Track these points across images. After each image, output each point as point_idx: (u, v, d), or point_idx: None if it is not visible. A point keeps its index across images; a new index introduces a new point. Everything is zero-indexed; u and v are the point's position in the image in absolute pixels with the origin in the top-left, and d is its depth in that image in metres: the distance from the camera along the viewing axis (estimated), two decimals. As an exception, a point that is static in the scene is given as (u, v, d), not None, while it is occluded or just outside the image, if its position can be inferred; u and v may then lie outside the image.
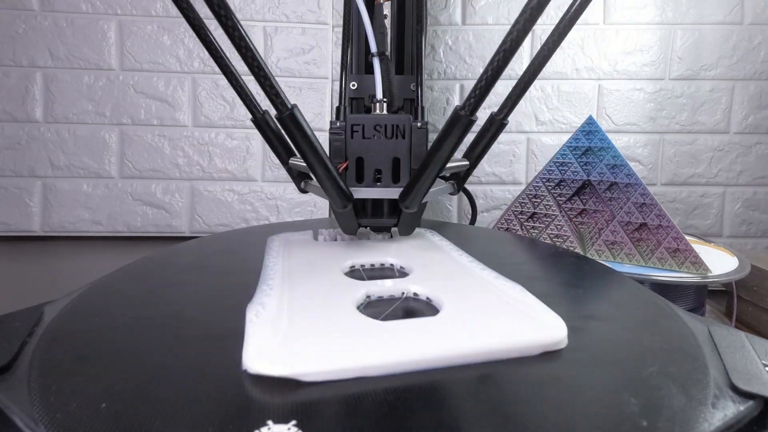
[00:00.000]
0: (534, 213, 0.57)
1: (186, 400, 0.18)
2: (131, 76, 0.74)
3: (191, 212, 0.76)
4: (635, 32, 0.76)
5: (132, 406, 0.17)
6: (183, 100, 0.75)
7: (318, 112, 0.75)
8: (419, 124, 0.34)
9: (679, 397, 0.19)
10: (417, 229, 0.43)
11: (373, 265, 0.34)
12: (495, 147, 0.78)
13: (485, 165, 0.79)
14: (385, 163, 0.34)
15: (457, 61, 0.77)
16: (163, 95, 0.74)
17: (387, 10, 0.63)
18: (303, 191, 0.39)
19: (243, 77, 0.37)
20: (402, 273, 0.32)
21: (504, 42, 0.26)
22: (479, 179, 0.79)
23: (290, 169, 0.38)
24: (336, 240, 0.39)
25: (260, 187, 0.76)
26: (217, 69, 0.75)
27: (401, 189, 0.33)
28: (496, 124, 0.40)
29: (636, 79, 0.77)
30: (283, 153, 0.38)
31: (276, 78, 0.82)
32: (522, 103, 0.77)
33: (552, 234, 0.56)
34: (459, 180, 0.40)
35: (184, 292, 0.29)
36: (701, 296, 0.52)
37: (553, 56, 0.79)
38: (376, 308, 0.26)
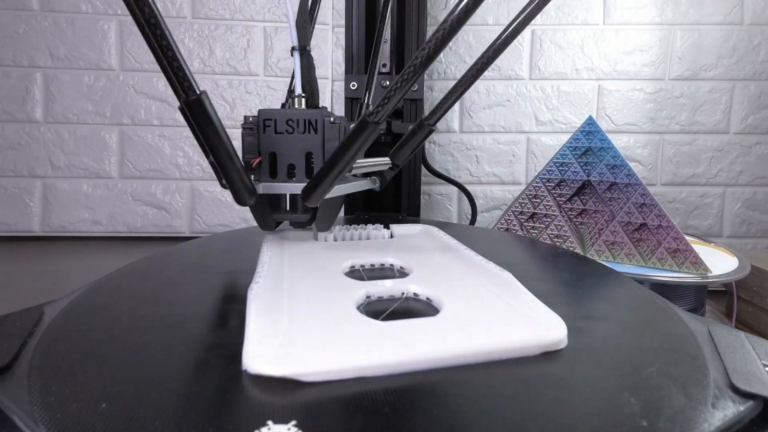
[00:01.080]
0: (534, 213, 0.57)
1: (186, 400, 0.18)
2: (131, 76, 0.74)
3: (191, 212, 0.76)
4: (635, 32, 0.76)
5: (132, 406, 0.17)
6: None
7: (318, 112, 0.75)
8: (332, 119, 0.34)
9: (679, 397, 0.19)
10: (422, 227, 0.43)
11: (373, 265, 0.34)
12: (495, 147, 0.78)
13: (485, 165, 0.79)
14: (298, 159, 0.34)
15: (457, 62, 0.77)
16: (163, 95, 0.74)
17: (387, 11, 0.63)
18: (225, 187, 0.37)
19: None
20: (402, 273, 0.32)
21: (419, 54, 0.26)
22: (479, 179, 0.79)
23: (213, 164, 0.35)
24: (336, 240, 0.39)
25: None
26: (217, 69, 0.76)
27: (301, 185, 0.33)
28: (425, 129, 0.40)
29: (636, 79, 0.77)
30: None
31: (276, 78, 0.82)
32: (522, 103, 0.77)
33: (552, 234, 0.56)
34: (383, 177, 0.41)
35: (184, 292, 0.29)
36: (701, 296, 0.52)
37: (553, 56, 0.79)
38: (376, 308, 0.26)
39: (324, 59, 0.75)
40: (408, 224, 0.44)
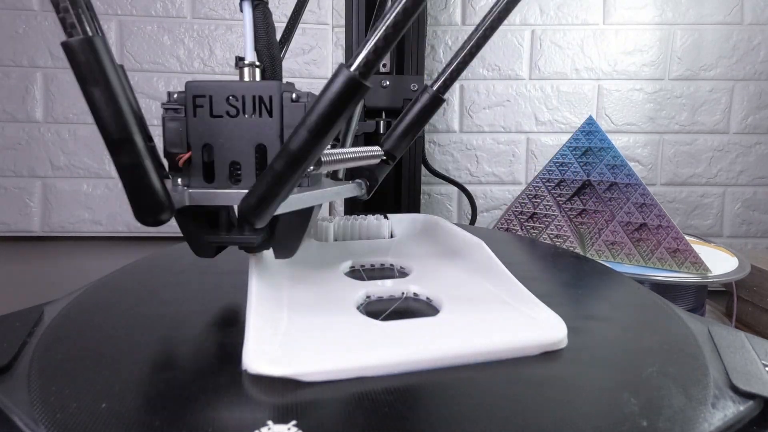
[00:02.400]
0: (534, 213, 0.57)
1: (186, 400, 0.18)
2: (131, 76, 0.74)
3: (191, 212, 0.76)
4: (635, 32, 0.76)
5: (132, 406, 0.17)
6: (183, 101, 0.75)
7: (318, 112, 0.75)
8: (294, 96, 0.23)
9: (679, 397, 0.19)
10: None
11: (373, 265, 0.34)
12: (495, 147, 0.78)
13: (485, 165, 0.79)
14: (246, 154, 0.23)
15: (457, 62, 0.77)
16: (163, 95, 0.74)
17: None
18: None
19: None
20: (402, 273, 0.32)
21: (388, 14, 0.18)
22: (479, 179, 0.79)
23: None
24: (336, 240, 0.39)
25: (260, 187, 0.76)
26: (217, 69, 0.76)
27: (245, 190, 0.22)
28: (436, 101, 0.30)
29: (635, 79, 0.77)
30: None
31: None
32: (521, 102, 0.77)
33: (552, 234, 0.56)
34: (373, 178, 0.30)
35: (184, 292, 0.29)
36: (701, 296, 0.52)
37: (553, 56, 0.79)
38: (376, 308, 0.26)
39: (324, 59, 0.75)
40: (408, 214, 0.44)
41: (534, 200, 0.57)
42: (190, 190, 0.23)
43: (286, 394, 0.18)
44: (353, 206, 0.64)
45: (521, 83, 0.77)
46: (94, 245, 0.77)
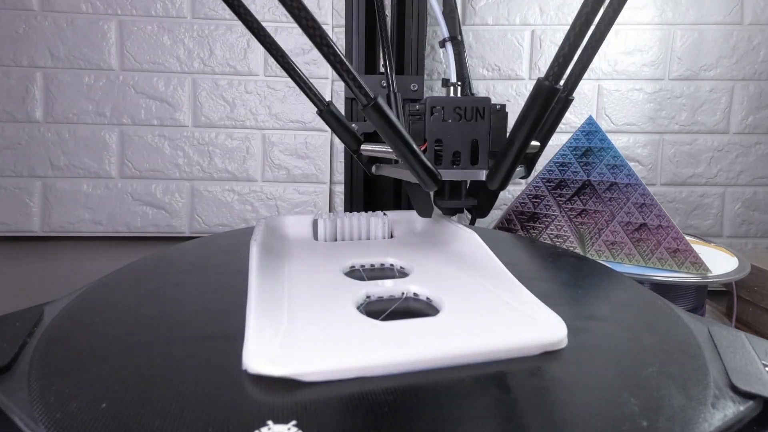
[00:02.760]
0: (534, 213, 0.57)
1: (186, 400, 0.18)
2: (131, 76, 0.74)
3: (191, 212, 0.76)
4: (635, 32, 0.76)
5: (132, 406, 0.17)
6: (183, 101, 0.75)
7: (318, 112, 0.75)
8: (498, 107, 0.34)
9: (679, 397, 0.19)
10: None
11: (373, 265, 0.34)
12: (495, 147, 0.78)
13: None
14: (464, 145, 0.34)
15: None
16: (163, 95, 0.74)
17: (387, 10, 0.63)
18: (373, 175, 0.41)
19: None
20: (402, 273, 0.32)
21: (585, 4, 0.26)
22: (479, 179, 0.79)
23: (360, 156, 0.40)
24: (336, 240, 0.39)
25: (260, 187, 0.76)
26: (217, 69, 0.76)
27: (485, 171, 0.33)
28: (561, 101, 0.38)
29: (635, 79, 0.77)
30: (351, 141, 0.39)
31: (276, 78, 0.82)
32: (522, 102, 0.77)
33: (552, 234, 0.56)
34: (528, 163, 0.40)
35: (184, 292, 0.29)
36: (701, 296, 0.52)
37: (553, 56, 0.79)
38: (376, 308, 0.26)
39: (324, 59, 0.75)
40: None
41: (534, 200, 0.57)
42: (441, 170, 0.34)
43: (286, 394, 0.18)
44: (352, 205, 0.64)
45: (521, 83, 0.77)
46: (94, 245, 0.77)
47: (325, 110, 0.38)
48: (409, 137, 0.30)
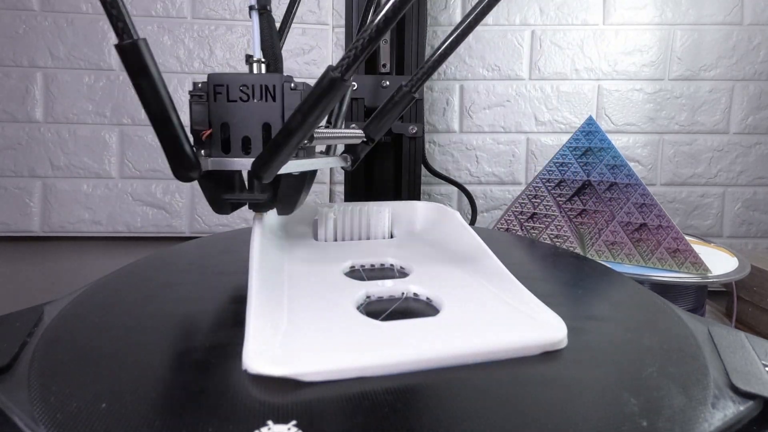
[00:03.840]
0: (534, 213, 0.57)
1: (186, 400, 0.18)
2: (131, 76, 0.74)
3: (191, 212, 0.76)
4: (635, 33, 0.76)
5: (132, 406, 0.17)
6: (183, 101, 0.75)
7: (318, 112, 0.75)
8: (293, 85, 0.30)
9: (679, 397, 0.19)
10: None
11: (373, 265, 0.34)
12: (494, 147, 0.78)
13: (485, 165, 0.79)
14: (254, 130, 0.30)
15: (457, 62, 0.77)
16: (163, 95, 0.74)
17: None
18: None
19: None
20: (402, 273, 0.32)
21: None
22: (479, 179, 0.79)
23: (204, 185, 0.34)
24: (336, 240, 0.39)
25: (260, 188, 0.76)
26: (217, 69, 0.76)
27: (251, 159, 0.29)
28: (407, 98, 0.37)
29: (635, 79, 0.77)
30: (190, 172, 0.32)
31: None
32: (521, 102, 0.77)
33: (552, 234, 0.56)
34: (355, 154, 0.37)
35: (184, 292, 0.29)
36: (701, 296, 0.52)
37: (553, 57, 0.79)
38: (376, 308, 0.26)
39: (324, 59, 0.75)
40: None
41: (534, 200, 0.57)
42: (211, 159, 0.30)
43: (286, 394, 0.18)
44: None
45: (521, 83, 0.77)
46: (94, 245, 0.77)
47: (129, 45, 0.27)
48: (170, 102, 0.25)
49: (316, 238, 0.40)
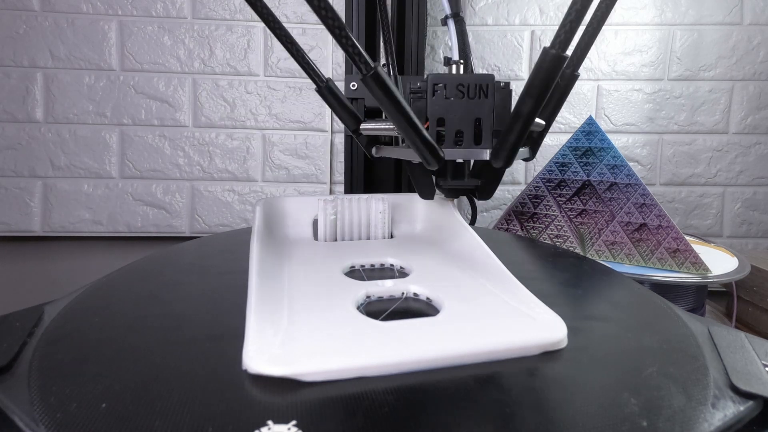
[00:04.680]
0: (534, 213, 0.57)
1: (186, 400, 0.18)
2: (132, 76, 0.74)
3: (191, 212, 0.76)
4: (634, 33, 0.76)
5: (132, 406, 0.17)
6: (183, 101, 0.75)
7: (318, 112, 0.75)
8: (502, 84, 0.33)
9: (679, 397, 0.19)
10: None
11: (373, 265, 0.34)
12: (495, 147, 0.78)
13: (485, 165, 0.79)
14: (467, 124, 0.33)
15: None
16: (163, 95, 0.74)
17: (387, 10, 0.63)
18: (374, 157, 0.39)
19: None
20: (402, 273, 0.32)
21: None
22: (479, 179, 0.79)
23: (360, 136, 0.38)
24: (336, 240, 0.39)
25: (260, 187, 0.76)
26: (217, 70, 0.76)
27: (488, 150, 0.32)
28: (566, 77, 0.37)
29: (635, 79, 0.77)
30: (350, 120, 0.37)
31: (276, 78, 0.82)
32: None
33: (552, 234, 0.56)
34: (533, 145, 0.39)
35: (184, 292, 0.29)
36: (701, 296, 0.52)
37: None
38: (376, 308, 0.26)
39: (324, 60, 0.75)
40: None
41: (534, 200, 0.57)
42: (445, 150, 0.32)
43: (286, 394, 0.18)
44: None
45: (521, 83, 0.77)
46: (94, 245, 0.77)
47: (324, 87, 0.36)
48: (410, 109, 0.29)
49: (316, 238, 0.40)
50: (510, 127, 0.30)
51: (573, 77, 0.37)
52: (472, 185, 0.36)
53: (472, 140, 0.33)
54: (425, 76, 0.33)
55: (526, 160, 0.38)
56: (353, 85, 0.62)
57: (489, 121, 0.33)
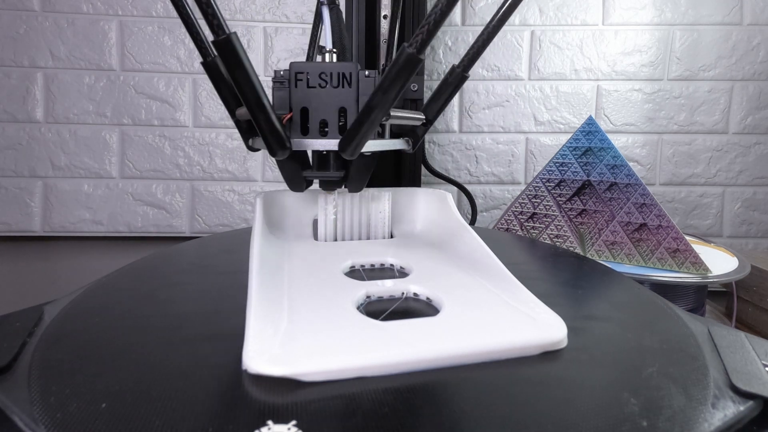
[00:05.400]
0: (534, 213, 0.57)
1: (186, 400, 0.18)
2: (132, 76, 0.74)
3: (192, 212, 0.76)
4: (634, 33, 0.76)
5: (132, 406, 0.17)
6: (183, 101, 0.75)
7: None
8: (367, 73, 0.32)
9: (679, 397, 0.19)
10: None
11: (373, 265, 0.34)
12: (494, 147, 0.78)
13: (484, 165, 0.79)
14: (331, 114, 0.32)
15: (457, 61, 0.77)
16: (163, 96, 0.74)
17: (387, 10, 0.63)
18: (252, 149, 0.37)
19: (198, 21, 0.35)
20: (402, 273, 0.32)
21: None
22: (478, 179, 0.79)
23: (238, 122, 0.36)
24: (336, 240, 0.39)
25: (260, 187, 0.76)
26: (217, 69, 0.75)
27: (336, 140, 0.32)
28: (457, 76, 0.38)
29: (634, 79, 0.77)
30: (231, 101, 0.35)
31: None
32: (521, 103, 0.77)
33: (552, 234, 0.56)
34: (415, 137, 0.39)
35: (184, 292, 0.29)
36: (701, 296, 0.52)
37: (552, 57, 0.79)
38: (376, 308, 0.26)
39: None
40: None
41: (534, 200, 0.57)
42: (293, 140, 0.32)
43: (286, 394, 0.18)
44: None
45: (520, 84, 0.77)
46: (94, 245, 0.77)
47: (211, 61, 0.33)
48: (262, 90, 0.28)
49: (316, 237, 0.40)
50: (359, 120, 0.29)
51: (463, 77, 0.38)
52: (337, 177, 0.35)
53: (337, 130, 0.32)
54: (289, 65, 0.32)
55: (405, 151, 0.38)
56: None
57: (353, 110, 0.32)
